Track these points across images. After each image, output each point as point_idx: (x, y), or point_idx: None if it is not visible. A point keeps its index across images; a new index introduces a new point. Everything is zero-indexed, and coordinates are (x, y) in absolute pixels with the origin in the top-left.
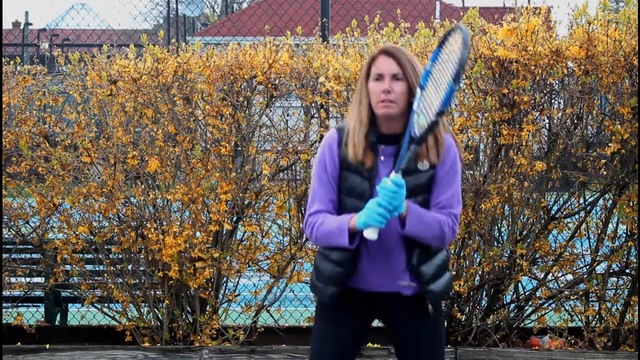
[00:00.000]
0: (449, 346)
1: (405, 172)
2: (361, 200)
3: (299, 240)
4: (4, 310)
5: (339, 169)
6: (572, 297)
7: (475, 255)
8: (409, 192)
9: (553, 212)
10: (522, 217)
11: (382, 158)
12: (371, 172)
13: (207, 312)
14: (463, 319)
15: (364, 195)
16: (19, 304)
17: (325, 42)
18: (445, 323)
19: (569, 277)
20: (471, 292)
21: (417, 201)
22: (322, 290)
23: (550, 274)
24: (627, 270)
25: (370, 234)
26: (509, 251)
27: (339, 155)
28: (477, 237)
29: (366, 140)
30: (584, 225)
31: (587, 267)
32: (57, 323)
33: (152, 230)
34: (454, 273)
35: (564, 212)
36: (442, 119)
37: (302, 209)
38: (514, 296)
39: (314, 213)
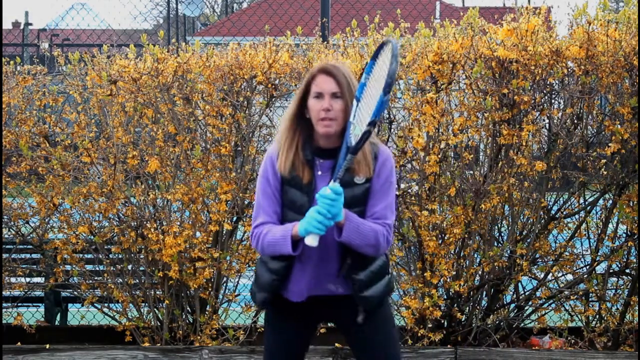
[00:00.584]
0: (448, 346)
1: (343, 184)
2: (301, 214)
3: None
4: (4, 310)
5: (281, 182)
6: (572, 297)
7: (475, 255)
8: (346, 204)
9: (553, 212)
10: (522, 217)
11: (319, 172)
12: (309, 186)
13: (207, 312)
14: (463, 319)
15: (303, 208)
16: (19, 304)
17: (325, 42)
18: (445, 323)
19: (569, 277)
20: (471, 292)
21: (354, 212)
22: (256, 295)
23: (550, 274)
24: (627, 270)
25: (311, 241)
26: (509, 251)
27: (278, 170)
28: (477, 237)
29: (301, 156)
30: (584, 225)
31: (587, 267)
32: (57, 323)
33: (152, 230)
34: (454, 273)
35: (564, 212)
36: (373, 129)
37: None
38: (514, 296)
39: (259, 225)
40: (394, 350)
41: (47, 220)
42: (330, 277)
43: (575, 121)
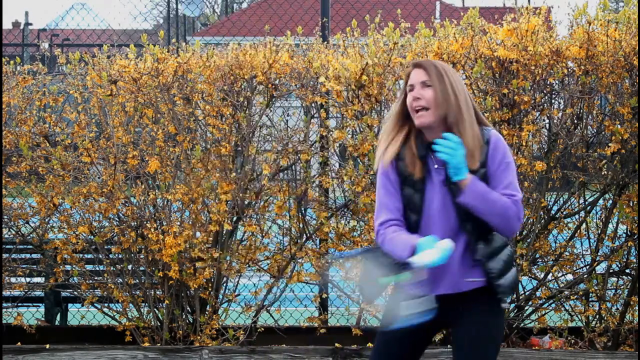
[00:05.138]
0: (448, 346)
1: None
2: (415, 213)
3: (299, 240)
4: (4, 310)
5: (399, 178)
6: (572, 297)
7: None
8: None
9: (553, 212)
10: None
11: (435, 166)
12: (422, 183)
13: (207, 312)
14: None
15: (416, 206)
16: (19, 304)
17: (325, 42)
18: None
19: (569, 277)
20: None
21: None
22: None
23: (550, 274)
24: (627, 270)
25: (420, 260)
26: None
27: (396, 167)
28: None
29: (415, 152)
30: (584, 225)
31: (587, 267)
32: (57, 323)
33: (152, 230)
34: None
35: (564, 212)
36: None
37: (302, 209)
38: (514, 296)
39: (384, 222)
40: (489, 354)
41: (47, 220)
42: (462, 269)
43: (575, 121)
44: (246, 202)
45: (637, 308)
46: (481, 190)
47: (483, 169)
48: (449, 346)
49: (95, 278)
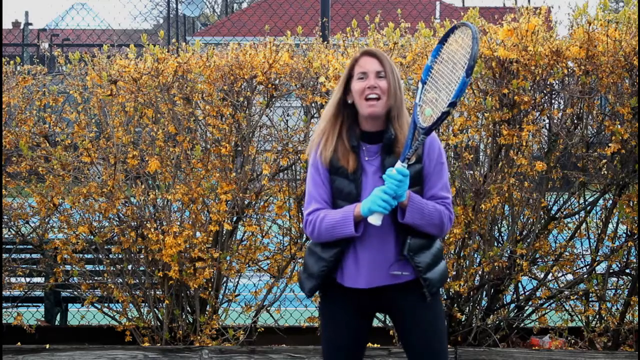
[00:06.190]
0: (448, 346)
1: (392, 167)
2: (349, 201)
3: (299, 240)
4: (4, 310)
5: (328, 171)
6: (572, 297)
7: (475, 255)
8: None
9: (553, 212)
10: (522, 217)
11: (366, 158)
12: (355, 174)
13: (207, 312)
14: (463, 319)
15: (351, 196)
16: (19, 304)
17: (326, 42)
18: (445, 323)
19: (569, 277)
20: (471, 292)
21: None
22: (305, 284)
23: (550, 274)
24: (627, 270)
25: (375, 220)
26: (509, 251)
27: (322, 161)
28: (477, 237)
29: (346, 143)
30: (584, 225)
31: (587, 267)
32: (57, 323)
33: (152, 230)
34: (454, 273)
35: (564, 212)
36: (453, 110)
37: (302, 208)
38: (514, 296)
39: (313, 211)
40: (441, 345)
41: (47, 220)
42: (389, 262)
43: (575, 121)
44: (246, 202)
45: (637, 308)
46: (419, 205)
47: (419, 164)
48: (448, 346)
49: (95, 278)
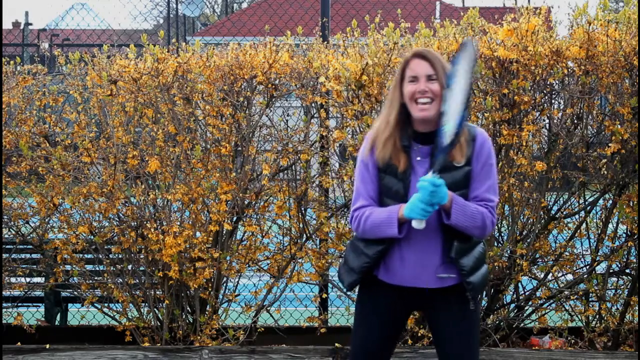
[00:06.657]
0: None
1: (443, 169)
2: (397, 200)
3: (299, 240)
4: (4, 310)
5: (377, 169)
6: (572, 297)
7: None
8: (448, 188)
9: (553, 212)
10: (522, 217)
11: (417, 158)
12: (404, 173)
13: (207, 312)
14: None
15: (399, 195)
16: (19, 304)
17: (325, 42)
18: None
19: (569, 277)
20: None
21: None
22: (344, 277)
23: (550, 274)
24: (627, 270)
25: (418, 224)
26: (509, 251)
27: (376, 158)
28: None
29: (398, 142)
30: (584, 225)
31: (587, 267)
32: (57, 323)
33: (152, 230)
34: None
35: (564, 212)
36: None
37: (302, 209)
38: (514, 296)
39: (359, 208)
40: (474, 355)
41: (47, 220)
42: (435, 264)
43: (575, 121)
44: (246, 202)
45: (637, 308)
46: (462, 206)
47: (468, 166)
48: None
49: (95, 278)
